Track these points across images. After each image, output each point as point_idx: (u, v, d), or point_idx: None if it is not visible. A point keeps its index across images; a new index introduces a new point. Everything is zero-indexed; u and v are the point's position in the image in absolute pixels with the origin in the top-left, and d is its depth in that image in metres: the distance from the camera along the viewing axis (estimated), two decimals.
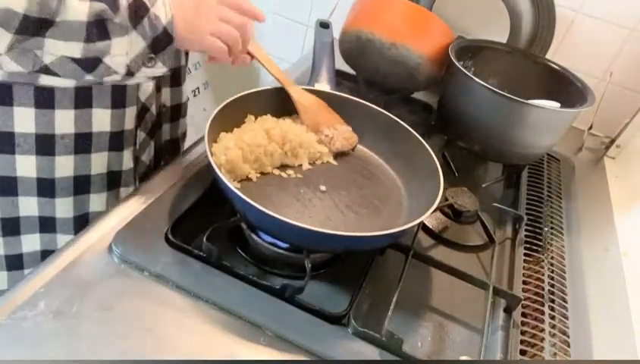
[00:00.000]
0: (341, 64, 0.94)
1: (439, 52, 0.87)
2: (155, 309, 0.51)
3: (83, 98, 0.58)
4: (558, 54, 1.03)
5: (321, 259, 0.61)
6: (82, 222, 0.66)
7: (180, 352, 0.48)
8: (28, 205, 0.62)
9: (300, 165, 0.68)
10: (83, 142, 0.61)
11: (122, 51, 0.51)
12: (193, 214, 0.62)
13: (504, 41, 1.00)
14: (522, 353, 0.56)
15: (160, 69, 0.55)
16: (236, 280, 0.55)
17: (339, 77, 0.97)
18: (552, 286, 0.66)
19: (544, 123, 0.79)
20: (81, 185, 0.64)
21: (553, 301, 0.64)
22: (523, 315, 0.61)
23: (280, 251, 0.59)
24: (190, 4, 0.55)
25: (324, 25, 0.91)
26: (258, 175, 0.64)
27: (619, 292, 0.69)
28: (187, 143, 0.77)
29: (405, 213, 0.64)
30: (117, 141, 0.64)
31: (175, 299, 0.52)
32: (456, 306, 0.61)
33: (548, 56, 0.98)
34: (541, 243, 0.72)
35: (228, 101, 0.65)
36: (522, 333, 0.59)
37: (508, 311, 0.61)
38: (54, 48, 0.48)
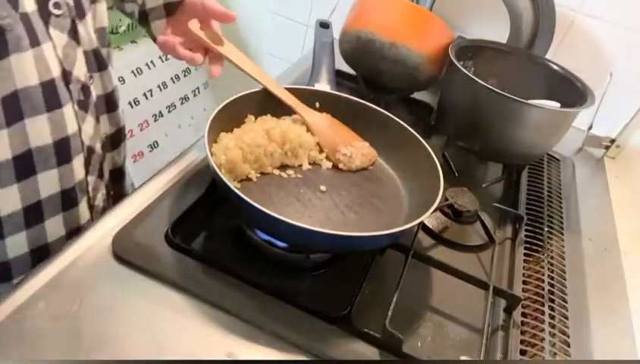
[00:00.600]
0: (341, 64, 0.95)
1: (439, 52, 0.87)
2: (154, 309, 0.51)
3: (24, 168, 0.53)
4: (558, 54, 1.03)
5: (321, 259, 0.61)
6: None
7: (180, 352, 0.48)
8: None
9: (300, 165, 0.68)
10: (34, 214, 0.56)
11: None
12: (193, 214, 0.62)
13: (504, 41, 1.00)
14: (522, 352, 0.56)
15: None
16: (236, 280, 0.55)
17: (339, 77, 0.97)
18: (552, 286, 0.66)
19: (544, 124, 0.79)
20: (39, 256, 0.59)
21: (553, 301, 0.64)
22: (523, 315, 0.61)
23: (280, 251, 0.59)
24: None
25: (324, 25, 0.91)
26: (258, 175, 0.64)
27: (619, 292, 0.70)
28: (187, 143, 0.76)
29: (405, 213, 0.64)
30: (69, 198, 0.59)
31: (175, 299, 0.52)
32: (456, 306, 0.60)
33: (548, 56, 0.98)
34: (541, 243, 0.72)
35: (228, 101, 0.65)
36: (522, 333, 0.59)
37: (508, 311, 0.61)
38: None
